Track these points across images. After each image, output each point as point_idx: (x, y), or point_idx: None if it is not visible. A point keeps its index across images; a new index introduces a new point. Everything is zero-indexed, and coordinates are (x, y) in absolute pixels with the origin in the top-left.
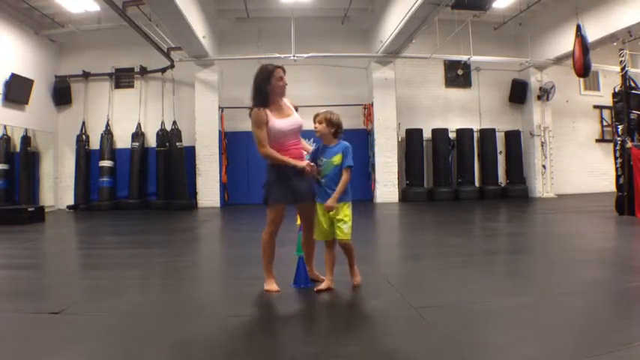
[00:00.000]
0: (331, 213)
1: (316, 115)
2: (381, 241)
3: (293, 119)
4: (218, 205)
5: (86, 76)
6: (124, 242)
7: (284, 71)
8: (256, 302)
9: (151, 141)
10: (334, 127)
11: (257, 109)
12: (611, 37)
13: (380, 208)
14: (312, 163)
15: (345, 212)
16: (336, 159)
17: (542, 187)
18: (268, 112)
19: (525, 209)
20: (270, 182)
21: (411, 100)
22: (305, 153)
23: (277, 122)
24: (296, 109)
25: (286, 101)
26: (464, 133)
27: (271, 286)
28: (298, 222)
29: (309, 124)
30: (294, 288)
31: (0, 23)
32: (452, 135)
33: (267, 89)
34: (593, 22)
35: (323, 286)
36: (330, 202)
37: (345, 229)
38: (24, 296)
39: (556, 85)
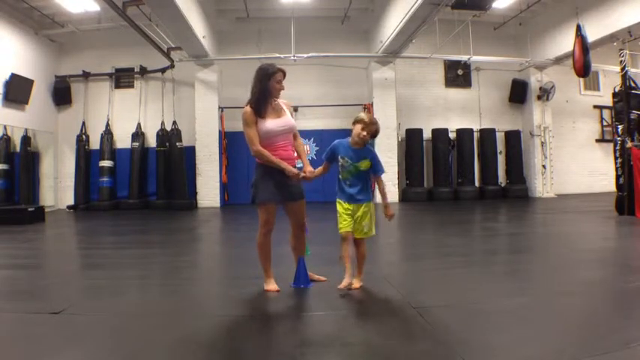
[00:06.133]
0: (358, 213)
1: (365, 124)
2: (381, 241)
3: (283, 120)
4: (218, 205)
5: (86, 76)
6: (124, 242)
7: (284, 75)
8: (256, 302)
9: (151, 141)
10: (372, 137)
11: (246, 108)
12: (611, 37)
13: (380, 208)
14: (301, 173)
15: (368, 211)
16: (364, 164)
17: (542, 187)
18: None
19: (525, 209)
20: (256, 181)
21: (411, 100)
22: (296, 155)
23: (267, 123)
24: (295, 109)
25: (281, 102)
26: (464, 133)
27: (271, 285)
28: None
29: (306, 125)
30: (294, 288)
31: (0, 23)
32: (452, 135)
33: (265, 89)
34: (593, 22)
35: (344, 284)
36: (389, 212)
37: (365, 228)
38: (24, 296)
39: (556, 85)
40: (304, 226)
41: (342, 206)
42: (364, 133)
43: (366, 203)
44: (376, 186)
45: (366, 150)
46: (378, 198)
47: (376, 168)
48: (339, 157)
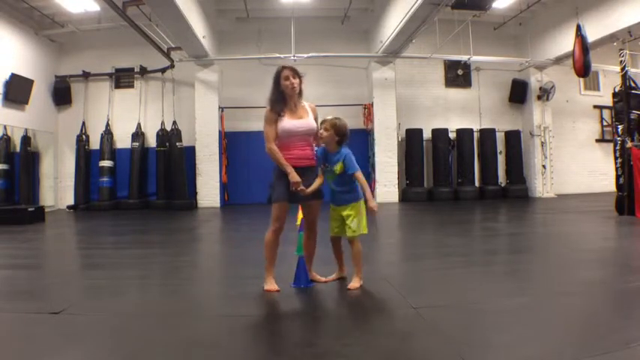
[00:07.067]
0: (343, 213)
1: (323, 121)
2: (381, 241)
3: (302, 121)
4: (218, 205)
5: (86, 76)
6: (124, 242)
7: (293, 71)
8: (256, 302)
9: (151, 141)
10: (340, 135)
11: (267, 107)
12: (611, 37)
13: (380, 208)
14: (302, 187)
15: (356, 210)
16: (338, 168)
17: (542, 187)
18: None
19: (525, 209)
20: (273, 180)
21: (411, 100)
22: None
23: (285, 122)
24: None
25: (306, 104)
26: (464, 133)
27: (271, 285)
28: (298, 222)
29: None
30: (294, 288)
31: (0, 23)
32: (452, 135)
33: (277, 90)
34: (593, 22)
35: (334, 276)
36: (373, 205)
37: (353, 226)
38: (24, 296)
39: (556, 85)
40: (315, 225)
41: (333, 210)
42: (320, 131)
43: (352, 204)
44: (376, 188)
45: (340, 153)
46: (379, 198)
47: (347, 167)
48: (321, 164)
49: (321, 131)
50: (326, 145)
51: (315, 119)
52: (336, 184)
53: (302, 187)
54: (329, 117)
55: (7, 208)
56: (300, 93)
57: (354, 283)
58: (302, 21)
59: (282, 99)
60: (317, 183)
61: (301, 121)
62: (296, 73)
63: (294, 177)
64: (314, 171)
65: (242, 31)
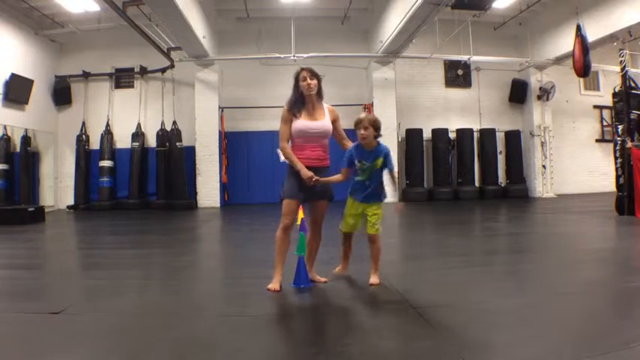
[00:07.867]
0: (369, 210)
1: (360, 121)
2: (381, 241)
3: (316, 123)
4: (218, 205)
5: (86, 76)
6: (124, 242)
7: (310, 72)
8: (256, 302)
9: (151, 141)
10: (378, 130)
11: (284, 107)
12: (611, 37)
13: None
14: (315, 177)
15: (379, 210)
16: (380, 162)
17: (542, 187)
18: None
19: (525, 209)
20: (285, 179)
21: (411, 100)
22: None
23: (298, 123)
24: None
25: (325, 106)
26: (464, 133)
27: (274, 285)
28: (298, 222)
29: None
30: (294, 288)
31: (0, 23)
32: (452, 135)
33: (297, 91)
34: (593, 22)
35: (336, 271)
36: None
37: (377, 224)
38: (24, 296)
39: (556, 85)
40: (321, 224)
41: (353, 206)
42: (360, 132)
43: (380, 203)
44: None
45: (381, 148)
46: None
47: (387, 163)
48: (356, 161)
49: (361, 131)
50: (366, 142)
51: (334, 121)
52: (371, 181)
53: (316, 178)
54: (362, 115)
55: (7, 208)
56: (320, 94)
57: (376, 280)
58: (302, 21)
59: (301, 100)
60: (335, 178)
61: (316, 122)
62: (314, 74)
63: (306, 173)
64: (325, 172)
65: (242, 31)
